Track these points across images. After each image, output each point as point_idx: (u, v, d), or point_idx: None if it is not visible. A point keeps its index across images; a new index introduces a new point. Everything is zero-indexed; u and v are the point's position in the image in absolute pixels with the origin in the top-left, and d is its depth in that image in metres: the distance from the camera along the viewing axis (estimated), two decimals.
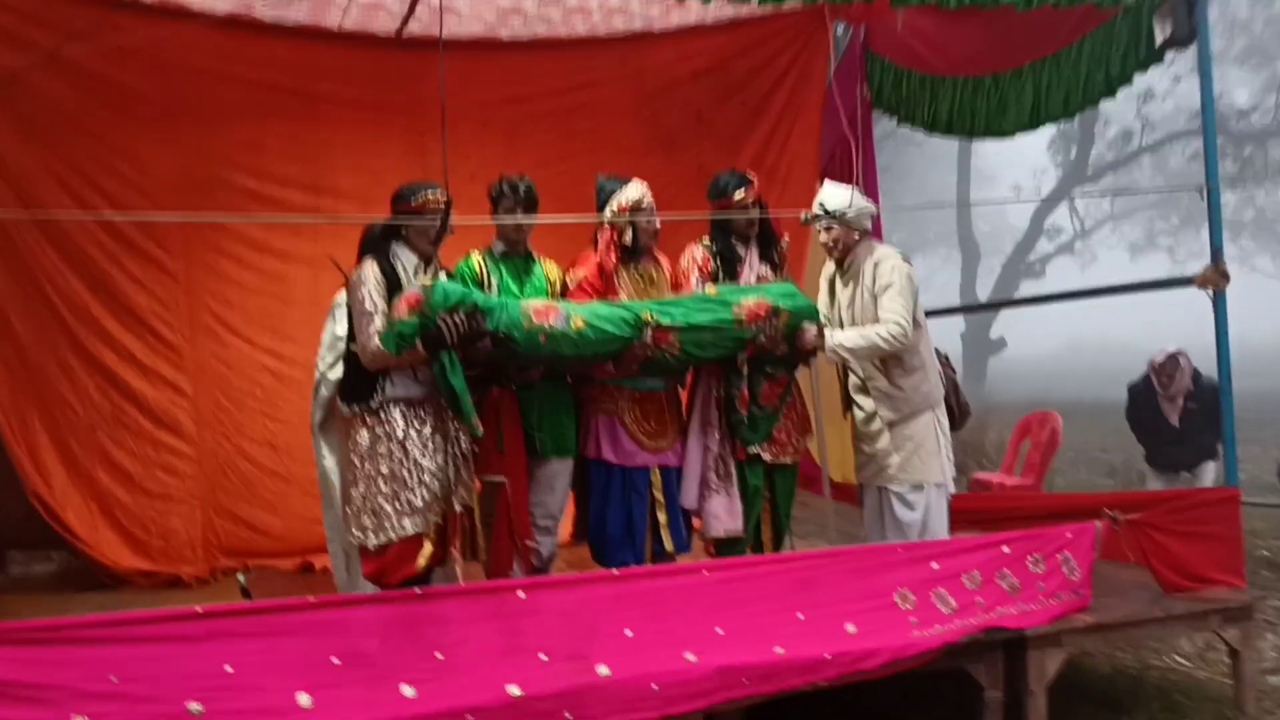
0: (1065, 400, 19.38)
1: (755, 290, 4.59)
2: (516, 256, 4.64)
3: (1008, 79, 6.06)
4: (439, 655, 3.54)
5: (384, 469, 4.00)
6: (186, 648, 3.34)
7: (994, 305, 17.64)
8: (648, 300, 4.51)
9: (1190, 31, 4.88)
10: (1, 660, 3.15)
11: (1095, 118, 22.47)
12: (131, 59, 5.78)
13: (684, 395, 4.89)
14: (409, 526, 3.99)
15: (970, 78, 6.37)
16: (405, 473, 4.00)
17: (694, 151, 7.23)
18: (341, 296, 4.52)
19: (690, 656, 3.72)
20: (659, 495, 4.66)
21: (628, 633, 3.74)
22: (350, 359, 4.13)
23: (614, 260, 4.63)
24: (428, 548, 4.05)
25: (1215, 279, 4.80)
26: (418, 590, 3.78)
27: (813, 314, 4.62)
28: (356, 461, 4.06)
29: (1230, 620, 4.52)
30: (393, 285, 4.06)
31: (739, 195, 4.78)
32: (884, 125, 14.41)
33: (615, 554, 4.55)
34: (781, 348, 4.56)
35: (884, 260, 4.74)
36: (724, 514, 4.64)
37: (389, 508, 3.98)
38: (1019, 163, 29.62)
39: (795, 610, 3.96)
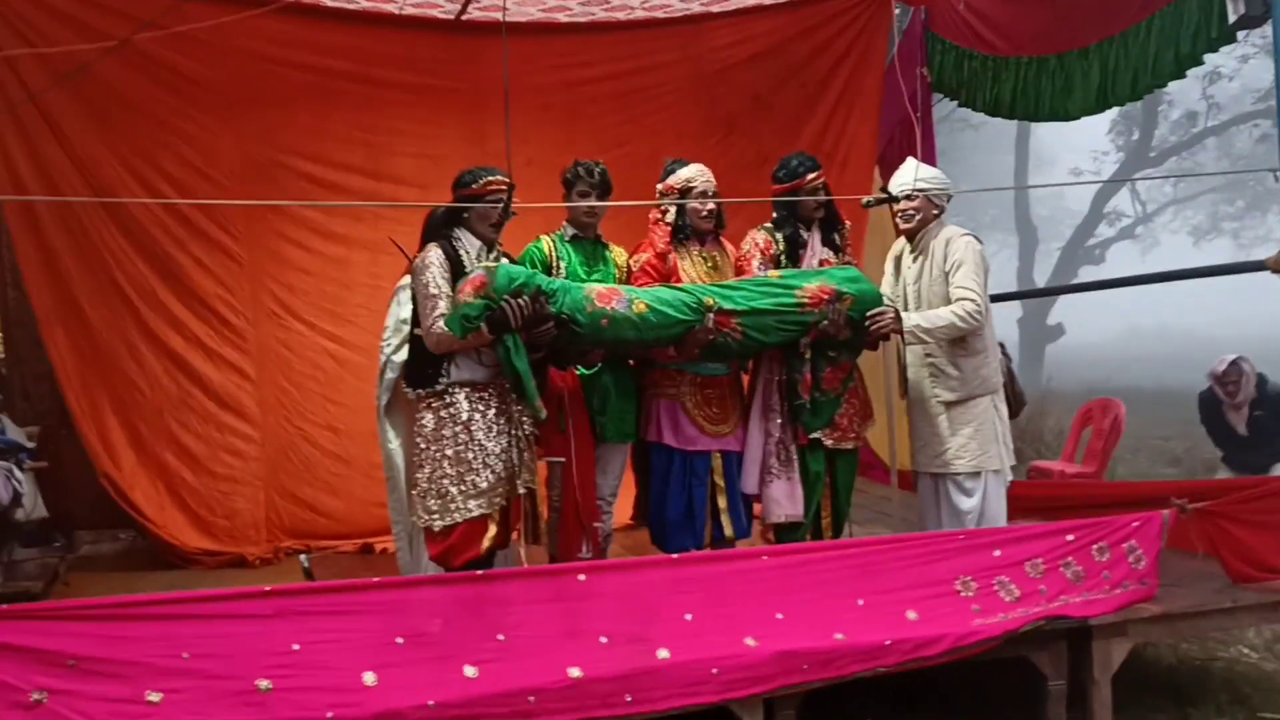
0: (1126, 387, 19.07)
1: (818, 274, 4.56)
2: (586, 241, 4.65)
3: (1073, 59, 5.95)
4: (501, 637, 3.56)
5: (449, 452, 4.04)
6: (256, 626, 3.39)
7: (1052, 291, 17.41)
8: (713, 284, 4.50)
9: (1265, 9, 4.75)
10: (80, 636, 3.23)
11: (1159, 99, 21.96)
12: (198, 47, 5.85)
13: (746, 380, 4.87)
14: (474, 509, 4.03)
15: (1034, 58, 6.27)
16: (470, 455, 4.04)
17: (752, 135, 7.21)
18: (405, 281, 4.56)
19: (750, 641, 3.71)
20: (719, 480, 4.67)
21: (687, 617, 3.74)
22: (415, 343, 4.17)
23: (664, 239, 4.63)
24: (492, 530, 4.10)
25: None
26: (479, 572, 3.80)
27: (876, 298, 4.59)
28: (422, 444, 4.11)
29: None
30: (456, 269, 4.10)
31: (810, 177, 4.74)
32: (942, 108, 14.24)
33: (675, 538, 4.56)
34: (845, 332, 4.53)
35: (955, 238, 4.70)
36: (785, 499, 4.62)
37: (454, 490, 4.02)
38: (1079, 146, 29.04)
39: (856, 597, 3.93)
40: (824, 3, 6.92)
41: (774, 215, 4.87)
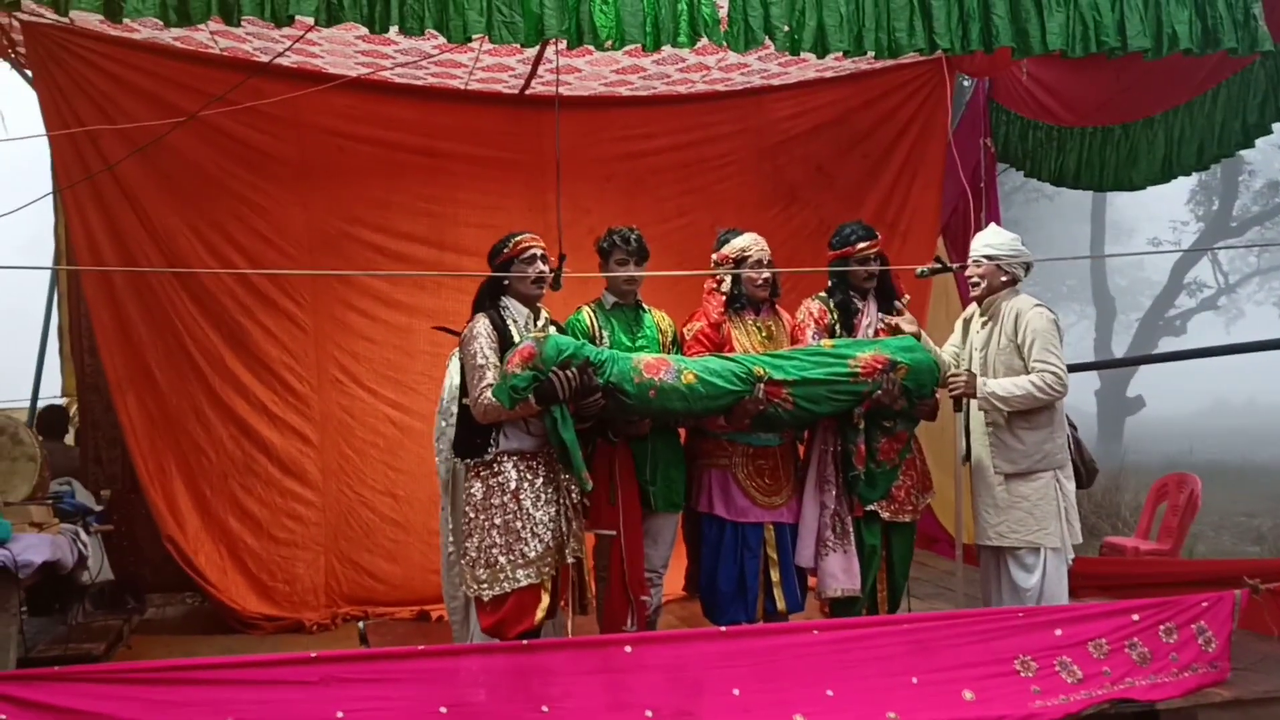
0: (1209, 462, 18.56)
1: (873, 344, 4.52)
2: (627, 308, 4.65)
3: (1138, 129, 5.92)
4: (545, 709, 3.53)
5: (498, 520, 4.04)
6: (302, 692, 3.42)
7: (1128, 361, 17.07)
8: (764, 354, 4.48)
9: None
10: (129, 700, 3.29)
11: (1239, 169, 21.63)
12: (270, 122, 6.07)
13: (801, 450, 4.82)
14: (522, 578, 4.01)
15: (1099, 128, 6.23)
16: (519, 525, 4.03)
17: (814, 205, 7.22)
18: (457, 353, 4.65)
19: (799, 718, 3.63)
20: (773, 553, 4.60)
21: (735, 692, 3.67)
22: (463, 413, 4.18)
23: (718, 309, 4.62)
24: (545, 601, 4.07)
25: None
26: (525, 642, 3.78)
27: (932, 369, 4.51)
28: (471, 513, 4.11)
29: None
30: (504, 338, 4.12)
31: (861, 246, 4.73)
32: (1014, 178, 14.17)
33: (726, 611, 4.50)
34: (900, 402, 4.46)
35: (1027, 308, 4.61)
36: (840, 573, 4.54)
37: (503, 559, 4.01)
38: (1158, 215, 28.62)
39: (910, 674, 3.83)
40: (886, 74, 6.93)
41: (829, 284, 4.85)
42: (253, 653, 4.13)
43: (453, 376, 4.52)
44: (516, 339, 4.12)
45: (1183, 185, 23.50)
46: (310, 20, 3.78)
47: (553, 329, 4.29)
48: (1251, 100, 5.12)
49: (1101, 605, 4.25)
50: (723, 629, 3.97)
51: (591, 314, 4.59)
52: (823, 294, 4.85)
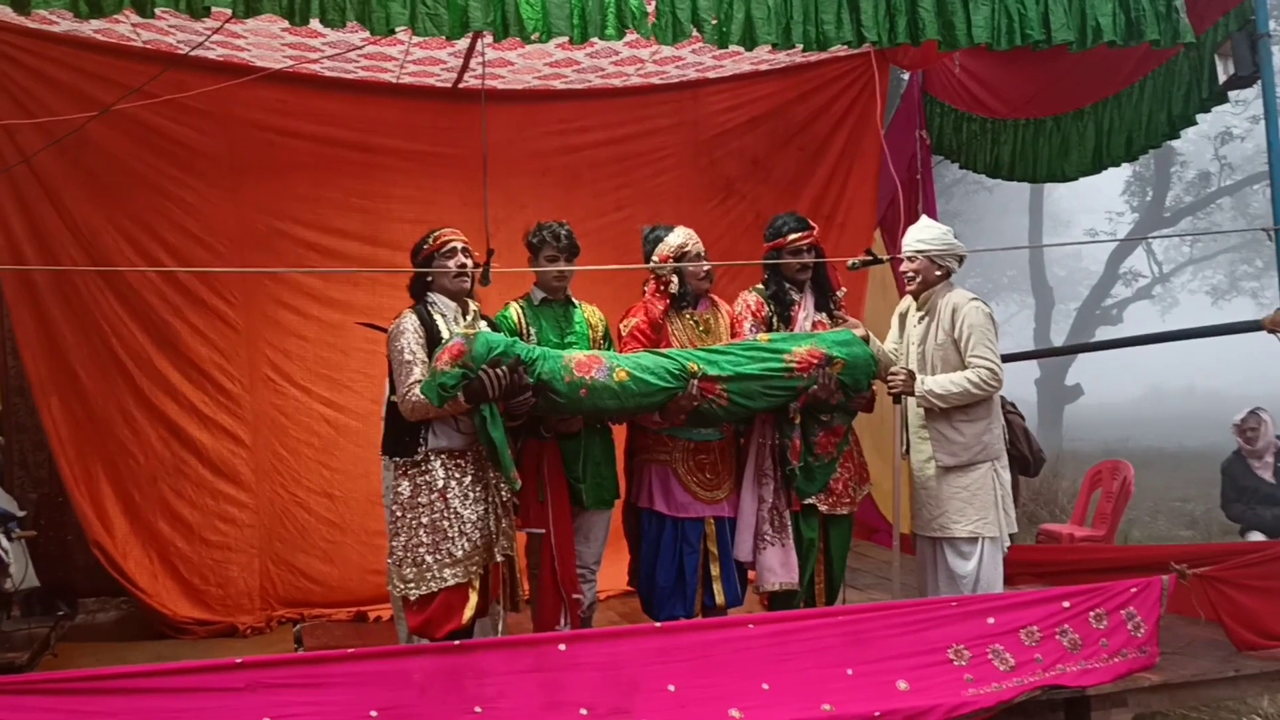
0: (1146, 448, 18.92)
1: (809, 338, 4.50)
2: (556, 303, 4.60)
3: (1069, 121, 5.97)
4: (478, 709, 3.50)
5: (424, 520, 3.99)
6: (228, 699, 3.35)
7: (1065, 350, 17.31)
8: (699, 349, 4.45)
9: (1254, 70, 4.75)
10: (50, 711, 3.21)
11: (1172, 160, 22.02)
12: (196, 116, 5.95)
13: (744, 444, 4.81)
14: (449, 577, 3.96)
15: (1031, 120, 6.28)
16: (446, 524, 3.98)
17: (751, 198, 7.22)
18: None
19: (735, 713, 3.63)
20: (713, 548, 4.59)
21: (671, 688, 3.66)
22: (390, 410, 4.12)
23: (661, 308, 4.59)
24: (473, 600, 4.03)
25: None
26: (457, 643, 3.73)
27: (869, 362, 4.51)
28: (398, 512, 4.05)
29: None
30: (431, 334, 4.06)
31: (793, 237, 4.72)
32: (954, 170, 14.29)
33: (664, 605, 4.49)
34: (836, 397, 4.44)
35: (963, 303, 4.64)
36: (779, 566, 4.53)
37: (430, 559, 3.96)
38: (1094, 207, 29.09)
39: (845, 666, 3.84)
40: (820, 67, 6.95)
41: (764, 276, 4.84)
42: (184, 658, 4.03)
43: None
44: (445, 334, 4.06)
45: (1118, 176, 23.87)
46: (229, 11, 3.70)
47: (483, 324, 4.24)
48: (1176, 92, 5.18)
49: (1033, 593, 4.29)
50: (658, 625, 3.95)
51: (520, 310, 4.54)
52: (760, 286, 4.83)
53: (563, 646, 3.69)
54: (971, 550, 4.59)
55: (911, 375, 4.60)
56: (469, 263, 4.20)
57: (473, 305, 4.27)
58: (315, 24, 3.87)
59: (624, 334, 4.62)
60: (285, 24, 5.10)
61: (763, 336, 4.54)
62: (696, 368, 4.21)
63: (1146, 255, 26.42)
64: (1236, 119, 20.23)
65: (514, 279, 4.67)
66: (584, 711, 3.56)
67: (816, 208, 7.11)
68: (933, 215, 7.13)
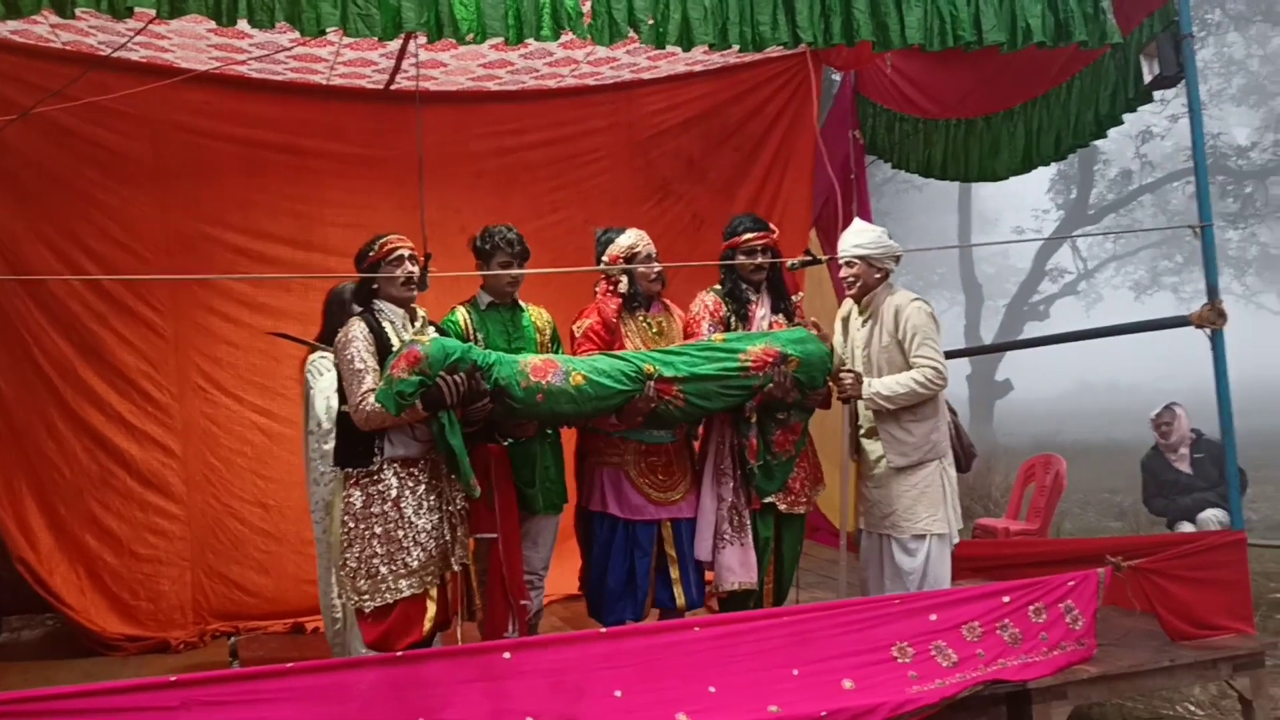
0: (1074, 442, 19.26)
1: (763, 337, 4.49)
2: (504, 308, 4.55)
3: (999, 121, 6.02)
4: None
5: (378, 530, 3.90)
6: (163, 718, 3.24)
7: (993, 348, 17.59)
8: (654, 350, 4.43)
9: (1178, 71, 4.83)
10: None
11: (1095, 158, 22.50)
12: (119, 119, 5.81)
13: (697, 445, 4.79)
14: (405, 588, 3.89)
15: (962, 120, 6.34)
16: (400, 533, 3.91)
17: (687, 199, 7.23)
18: (318, 363, 4.53)
19: (682, 717, 3.60)
20: (671, 550, 4.56)
21: (617, 693, 3.62)
22: (342, 420, 4.03)
23: (614, 308, 4.56)
24: (431, 610, 3.97)
25: (1211, 318, 4.71)
26: (400, 654, 3.67)
27: (824, 360, 4.51)
28: (350, 523, 3.95)
29: (1240, 668, 4.38)
30: (381, 341, 3.99)
31: (747, 236, 4.71)
32: (884, 170, 14.46)
33: (613, 608, 4.45)
34: (792, 395, 4.44)
35: (906, 304, 4.66)
36: (737, 566, 4.51)
37: (385, 569, 3.88)
38: (1020, 205, 29.69)
39: (790, 666, 3.83)
40: (755, 68, 6.97)
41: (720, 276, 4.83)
42: (115, 677, 3.91)
43: (325, 397, 4.41)
44: (395, 342, 3.99)
45: (1043, 175, 24.34)
46: (152, 12, 3.59)
47: (431, 330, 4.19)
48: (1103, 92, 5.25)
49: (974, 589, 4.33)
50: (604, 630, 3.92)
51: (466, 314, 4.48)
52: (717, 286, 4.82)
53: (508, 655, 3.64)
54: (918, 547, 4.61)
55: (859, 378, 4.61)
56: (415, 270, 4.12)
57: (420, 311, 4.21)
58: (243, 24, 3.78)
59: (577, 335, 4.57)
60: (211, 24, 5.01)
61: (718, 336, 4.52)
62: (653, 369, 4.19)
63: (1072, 252, 27.01)
64: (1156, 118, 20.71)
65: (449, 283, 4.61)
66: None
67: (752, 208, 7.11)
68: (866, 215, 7.18)
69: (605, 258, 4.61)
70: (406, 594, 3.89)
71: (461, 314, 4.48)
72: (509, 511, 4.33)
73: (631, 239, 4.61)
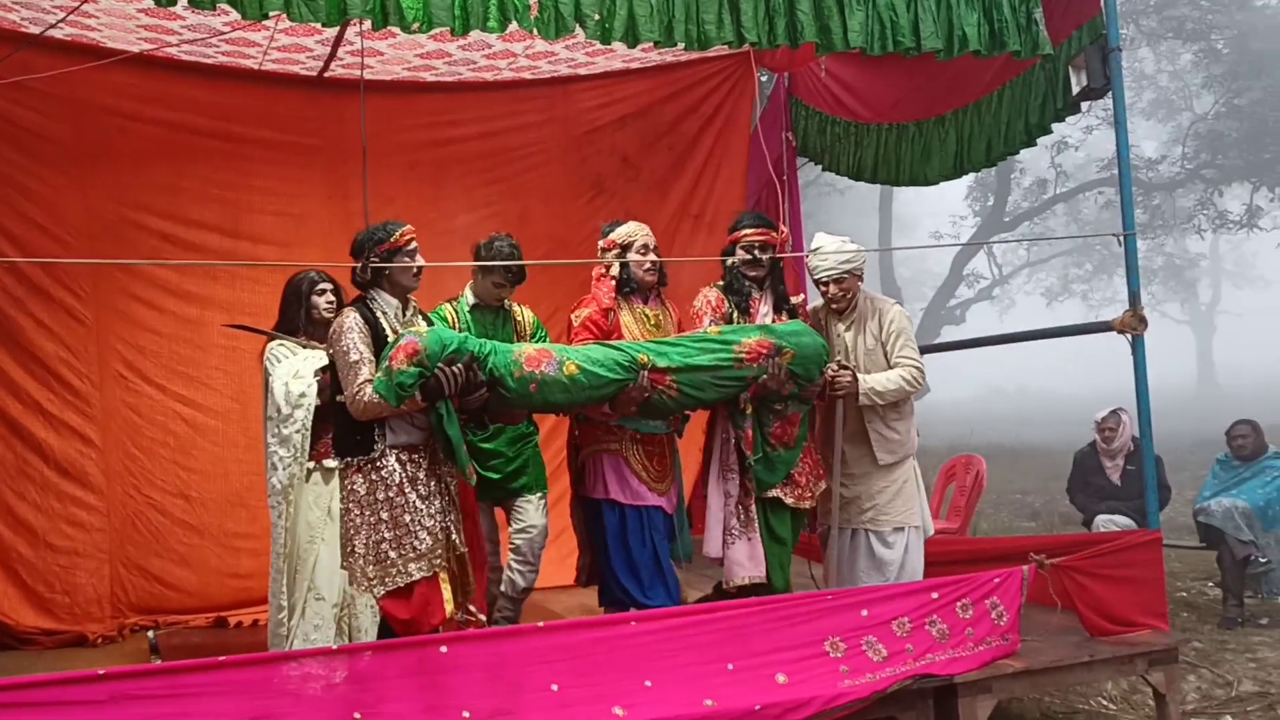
0: (987, 444, 19.67)
1: (758, 329, 4.52)
2: (489, 309, 4.65)
3: (931, 127, 6.13)
4: (357, 715, 3.40)
5: (385, 515, 3.96)
6: (88, 713, 3.17)
7: (932, 349, 17.87)
8: (649, 341, 4.45)
9: (1105, 82, 4.97)
10: None
11: (1011, 167, 22.97)
12: (42, 100, 5.64)
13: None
14: (415, 571, 3.94)
15: (894, 125, 6.44)
16: (408, 518, 3.95)
17: (621, 196, 7.23)
18: (276, 354, 4.52)
19: (618, 711, 3.62)
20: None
21: (554, 687, 3.63)
22: (339, 410, 4.03)
23: (607, 292, 4.57)
24: (448, 593, 4.03)
25: (1133, 323, 4.86)
26: (334, 647, 3.63)
27: (819, 352, 4.55)
28: (355, 510, 3.99)
29: (1155, 664, 4.52)
30: (376, 332, 4.00)
31: (746, 232, 4.75)
32: (808, 173, 14.58)
33: (651, 592, 4.45)
34: (787, 387, 4.47)
35: (888, 308, 4.84)
36: (746, 560, 4.54)
37: (393, 554, 3.94)
38: (938, 210, 30.21)
39: (726, 661, 3.87)
40: (691, 67, 7.01)
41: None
42: (30, 671, 3.78)
43: (283, 383, 4.38)
44: (389, 332, 4.01)
45: (961, 182, 24.74)
46: None
47: (421, 321, 4.21)
48: (1033, 101, 5.38)
49: (904, 585, 4.43)
50: (540, 625, 3.91)
51: (453, 313, 4.56)
52: (719, 283, 4.84)
53: (444, 648, 3.62)
54: (897, 539, 4.76)
55: (856, 378, 4.68)
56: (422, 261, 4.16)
57: (412, 302, 4.22)
58: (180, 6, 3.70)
59: (575, 324, 4.58)
60: (143, 4, 4.90)
61: (713, 329, 4.54)
62: (647, 359, 4.22)
63: (988, 258, 27.51)
64: (1071, 129, 21.23)
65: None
66: (467, 714, 3.50)
67: (685, 206, 7.19)
68: (797, 216, 7.27)
69: (601, 244, 4.69)
70: (417, 577, 3.95)
71: (448, 310, 4.58)
72: (466, 490, 4.38)
73: (630, 228, 4.69)
